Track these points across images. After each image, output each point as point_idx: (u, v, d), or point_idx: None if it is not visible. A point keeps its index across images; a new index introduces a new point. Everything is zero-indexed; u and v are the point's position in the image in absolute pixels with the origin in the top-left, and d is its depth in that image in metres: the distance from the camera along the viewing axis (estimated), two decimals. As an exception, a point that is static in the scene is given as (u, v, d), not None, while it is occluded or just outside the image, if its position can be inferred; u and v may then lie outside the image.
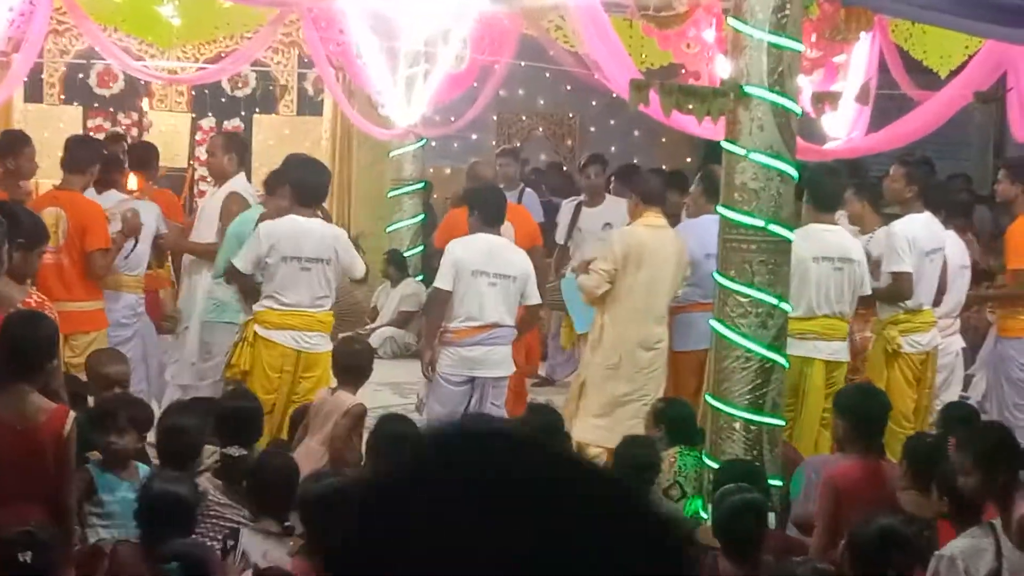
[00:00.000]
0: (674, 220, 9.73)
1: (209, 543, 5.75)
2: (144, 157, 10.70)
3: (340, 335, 8.99)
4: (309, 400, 7.88)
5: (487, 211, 8.64)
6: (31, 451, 5.28)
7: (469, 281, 8.35)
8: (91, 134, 14.76)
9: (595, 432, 8.60)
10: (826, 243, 8.33)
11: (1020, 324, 9.33)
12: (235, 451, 6.24)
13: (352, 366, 7.72)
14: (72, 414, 5.42)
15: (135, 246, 8.99)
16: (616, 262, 8.63)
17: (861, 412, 6.56)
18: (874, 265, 8.81)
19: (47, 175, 11.64)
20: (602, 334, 8.79)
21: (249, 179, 10.40)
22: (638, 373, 8.63)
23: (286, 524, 5.86)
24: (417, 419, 7.82)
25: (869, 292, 8.79)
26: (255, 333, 8.22)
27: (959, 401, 8.81)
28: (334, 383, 7.86)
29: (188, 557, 4.85)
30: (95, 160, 9.06)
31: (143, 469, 6.12)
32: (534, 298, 8.60)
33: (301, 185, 8.44)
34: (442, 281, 8.45)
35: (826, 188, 8.57)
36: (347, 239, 8.65)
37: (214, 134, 14.00)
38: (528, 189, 13.41)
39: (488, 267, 8.39)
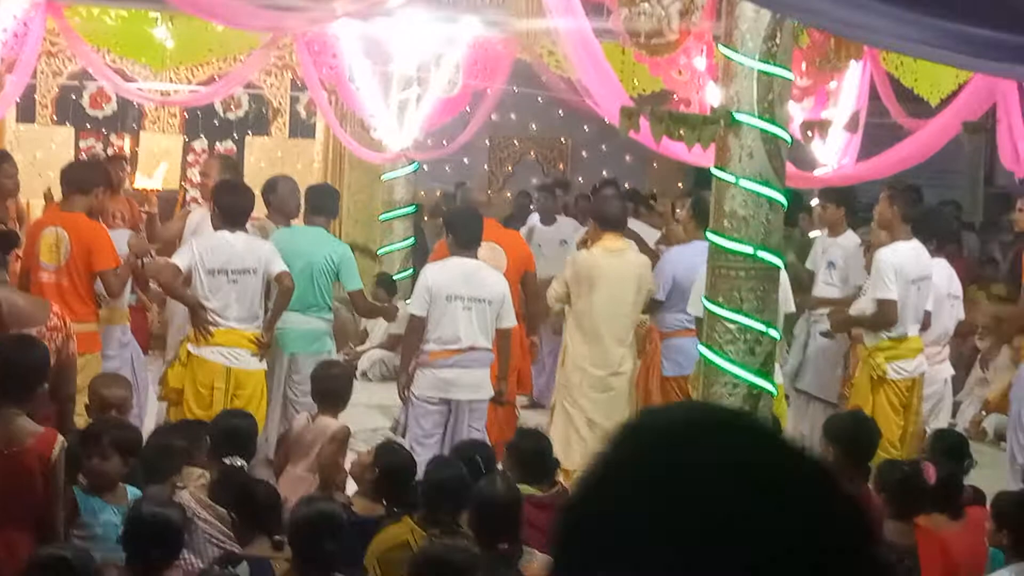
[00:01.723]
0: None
1: (194, 559, 5.78)
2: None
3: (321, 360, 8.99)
4: None
5: (461, 234, 8.67)
6: (18, 474, 5.25)
7: (444, 305, 8.37)
8: (83, 155, 14.84)
9: (569, 455, 8.61)
10: None
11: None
12: (236, 461, 6.27)
13: (330, 390, 7.75)
14: (60, 438, 5.38)
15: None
16: (566, 284, 8.72)
17: (852, 439, 6.57)
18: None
19: (38, 195, 11.64)
20: (565, 355, 8.85)
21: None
22: (600, 394, 8.66)
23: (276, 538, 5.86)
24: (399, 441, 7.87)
25: (793, 310, 8.87)
26: (188, 352, 8.29)
27: (948, 429, 8.80)
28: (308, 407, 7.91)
29: None
30: (100, 183, 9.04)
31: (133, 491, 6.09)
32: (508, 321, 8.59)
33: (227, 208, 8.57)
34: (416, 307, 8.50)
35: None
36: (273, 250, 8.58)
37: (208, 156, 14.02)
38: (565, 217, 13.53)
39: (463, 291, 8.41)
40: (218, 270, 8.28)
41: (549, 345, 11.97)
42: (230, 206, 8.56)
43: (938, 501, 6.18)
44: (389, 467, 6.59)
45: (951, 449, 7.04)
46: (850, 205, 10.44)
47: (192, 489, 6.27)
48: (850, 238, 10.10)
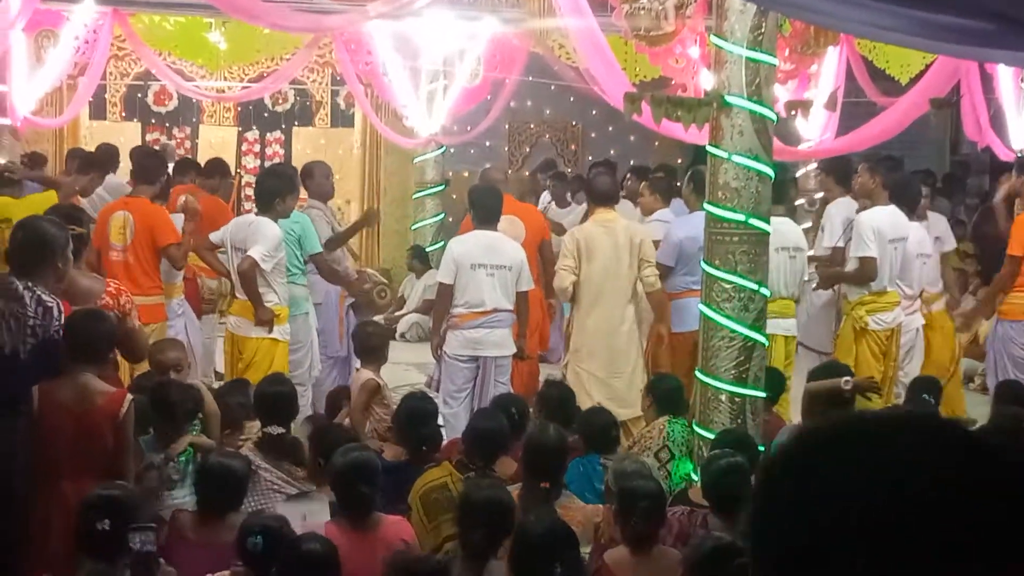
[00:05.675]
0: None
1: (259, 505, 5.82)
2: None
3: (360, 320, 9.11)
4: (248, 377, 7.75)
5: (483, 211, 8.64)
6: (88, 430, 5.26)
7: (469, 274, 8.35)
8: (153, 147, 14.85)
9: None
10: (782, 234, 8.30)
11: (1020, 308, 9.18)
12: (275, 429, 6.31)
13: (368, 347, 7.92)
14: (129, 397, 5.41)
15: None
16: (573, 256, 8.67)
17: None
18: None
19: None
20: (573, 320, 8.84)
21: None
22: (605, 351, 8.63)
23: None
24: (433, 395, 7.87)
25: (807, 278, 8.87)
26: None
27: (926, 376, 8.67)
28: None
29: (269, 530, 4.82)
30: (163, 171, 9.17)
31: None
32: (525, 285, 8.56)
33: (257, 192, 8.73)
34: (444, 276, 8.49)
35: (777, 184, 8.52)
36: (258, 233, 8.29)
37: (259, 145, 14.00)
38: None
39: (485, 259, 8.38)
40: (235, 247, 8.36)
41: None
42: (260, 190, 8.63)
43: None
44: (406, 410, 6.60)
45: (928, 391, 7.03)
46: (842, 174, 10.21)
47: (251, 443, 6.32)
48: (845, 202, 9.98)
